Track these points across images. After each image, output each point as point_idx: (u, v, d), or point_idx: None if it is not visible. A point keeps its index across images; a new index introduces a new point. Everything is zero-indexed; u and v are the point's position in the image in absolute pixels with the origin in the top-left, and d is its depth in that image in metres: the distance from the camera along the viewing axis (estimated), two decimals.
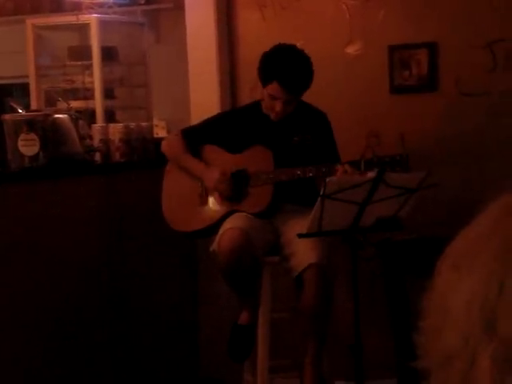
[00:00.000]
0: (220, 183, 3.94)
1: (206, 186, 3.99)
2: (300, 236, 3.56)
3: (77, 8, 5.44)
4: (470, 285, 0.81)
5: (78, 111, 4.83)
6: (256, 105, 4.02)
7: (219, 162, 4.00)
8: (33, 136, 4.05)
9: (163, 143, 4.20)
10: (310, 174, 3.80)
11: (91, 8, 5.39)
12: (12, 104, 4.57)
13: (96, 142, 4.49)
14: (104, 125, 4.74)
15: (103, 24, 5.22)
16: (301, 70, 3.84)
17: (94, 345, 4.26)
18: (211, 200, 4.01)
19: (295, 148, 3.94)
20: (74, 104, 5.10)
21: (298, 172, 3.82)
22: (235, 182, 3.95)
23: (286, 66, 3.83)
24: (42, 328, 4.04)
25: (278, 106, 3.87)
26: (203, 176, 3.99)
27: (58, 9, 5.81)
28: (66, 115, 4.38)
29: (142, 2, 5.55)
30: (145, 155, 4.54)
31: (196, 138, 4.06)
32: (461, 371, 0.79)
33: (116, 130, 4.50)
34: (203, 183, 4.01)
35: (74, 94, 5.35)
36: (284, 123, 3.95)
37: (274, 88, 3.84)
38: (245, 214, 3.89)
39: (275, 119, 3.93)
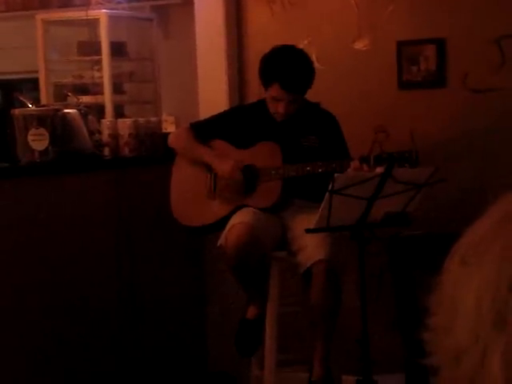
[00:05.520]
0: (234, 172, 3.93)
1: (218, 174, 3.99)
2: (308, 231, 3.56)
3: (86, 3, 5.45)
4: (480, 280, 0.80)
5: (87, 106, 4.83)
6: (262, 103, 4.02)
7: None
8: (42, 131, 4.07)
9: (170, 136, 4.20)
10: (320, 170, 3.80)
11: (100, 3, 5.40)
12: (21, 99, 4.58)
13: (105, 137, 4.50)
14: (113, 120, 4.74)
15: (112, 19, 5.22)
16: (300, 69, 3.84)
17: (103, 341, 4.28)
18: (220, 193, 4.02)
19: (301, 148, 3.94)
20: (83, 99, 5.11)
21: (308, 168, 3.82)
22: (246, 174, 3.95)
23: (285, 66, 3.83)
24: (49, 324, 4.05)
25: (282, 108, 3.87)
26: (215, 164, 3.98)
27: (67, 4, 5.82)
28: (75, 110, 4.39)
29: None
30: (153, 150, 4.55)
31: (204, 131, 4.06)
32: (471, 368, 0.78)
33: (125, 125, 4.52)
34: (214, 172, 4.00)
35: (83, 88, 5.35)
36: (290, 123, 3.95)
37: (275, 90, 3.85)
38: (253, 208, 3.90)
39: (280, 120, 3.94)
